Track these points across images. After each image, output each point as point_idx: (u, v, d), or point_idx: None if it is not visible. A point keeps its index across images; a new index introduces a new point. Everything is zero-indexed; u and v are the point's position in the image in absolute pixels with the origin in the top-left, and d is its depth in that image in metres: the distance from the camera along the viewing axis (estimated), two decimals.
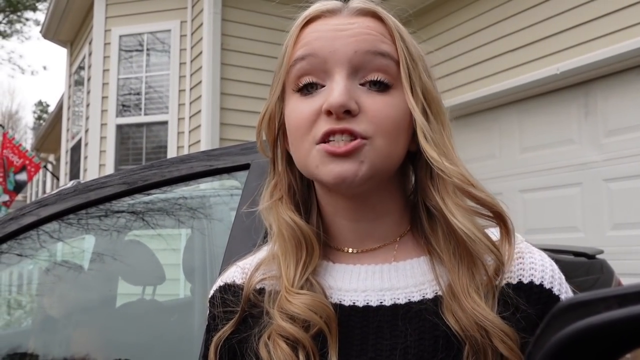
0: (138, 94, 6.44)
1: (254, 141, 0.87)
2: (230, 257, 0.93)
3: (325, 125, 0.68)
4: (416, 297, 0.71)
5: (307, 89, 0.71)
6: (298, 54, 0.71)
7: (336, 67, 0.69)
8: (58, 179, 10.05)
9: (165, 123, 6.19)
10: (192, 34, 6.06)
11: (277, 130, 0.77)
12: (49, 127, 13.07)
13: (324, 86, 0.70)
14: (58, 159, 11.71)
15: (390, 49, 0.70)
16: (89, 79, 7.02)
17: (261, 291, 0.76)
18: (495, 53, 4.71)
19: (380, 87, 0.69)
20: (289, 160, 0.78)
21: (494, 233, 0.74)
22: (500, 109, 4.82)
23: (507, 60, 4.60)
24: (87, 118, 6.97)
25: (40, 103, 41.82)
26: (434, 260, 0.72)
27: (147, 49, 6.46)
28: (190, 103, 5.96)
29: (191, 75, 6.01)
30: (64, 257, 2.08)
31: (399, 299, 0.72)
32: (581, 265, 2.38)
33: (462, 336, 0.66)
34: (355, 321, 0.72)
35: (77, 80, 8.24)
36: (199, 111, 5.72)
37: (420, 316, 0.69)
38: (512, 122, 4.73)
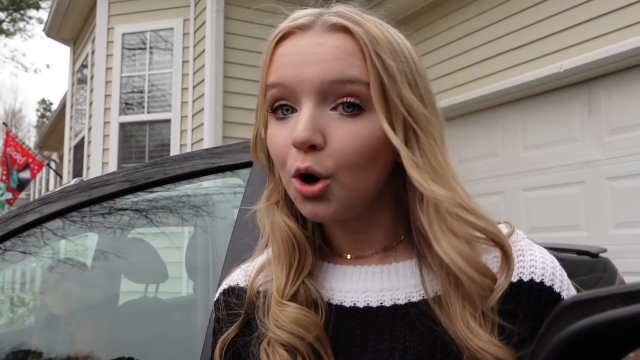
0: (141, 92, 6.45)
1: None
2: (233, 255, 0.93)
3: (294, 161, 0.67)
4: (416, 297, 0.71)
5: (282, 112, 0.70)
6: (270, 81, 0.70)
7: (303, 96, 0.67)
8: (61, 177, 10.07)
9: (168, 121, 6.20)
10: (195, 32, 6.06)
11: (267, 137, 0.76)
12: (52, 125, 13.09)
13: (296, 110, 0.69)
14: (61, 157, 11.74)
15: (360, 73, 0.66)
16: (92, 77, 7.02)
17: (262, 294, 0.77)
18: (498, 51, 4.70)
19: (354, 109, 0.67)
20: None
21: (501, 229, 0.74)
22: (503, 107, 4.81)
23: (510, 58, 4.59)
24: (90, 116, 6.98)
25: (43, 101, 41.91)
26: (422, 265, 0.71)
27: (150, 47, 6.46)
28: (193, 101, 5.97)
29: (194, 73, 6.01)
30: (66, 255, 2.08)
31: (399, 299, 0.72)
32: (584, 264, 2.38)
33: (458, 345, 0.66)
34: (356, 322, 0.72)
35: (80, 78, 8.26)
36: (202, 109, 5.72)
37: (419, 317, 0.69)
38: (515, 120, 4.72)
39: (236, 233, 1.18)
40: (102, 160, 6.43)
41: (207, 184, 1.73)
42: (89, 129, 6.95)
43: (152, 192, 1.62)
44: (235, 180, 1.50)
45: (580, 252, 2.45)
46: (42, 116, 39.27)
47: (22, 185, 9.36)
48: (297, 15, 0.71)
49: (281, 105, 0.70)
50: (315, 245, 0.77)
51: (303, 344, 0.70)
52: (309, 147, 0.65)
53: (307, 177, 0.67)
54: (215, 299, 0.84)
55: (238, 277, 0.83)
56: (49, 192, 1.74)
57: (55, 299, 2.09)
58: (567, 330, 0.34)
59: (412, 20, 5.34)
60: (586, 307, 0.34)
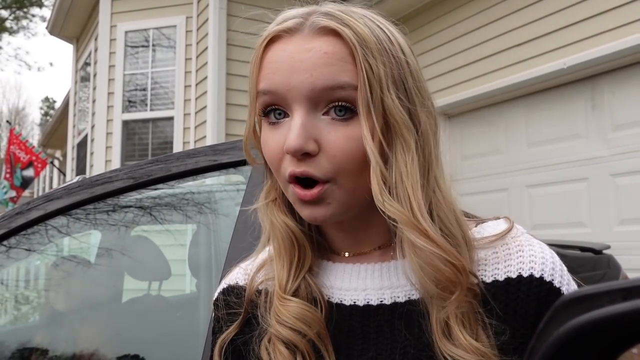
0: (144, 89, 6.46)
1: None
2: (234, 252, 0.93)
3: (289, 166, 0.67)
4: (416, 295, 0.71)
5: (275, 116, 0.69)
6: (260, 87, 0.69)
7: (294, 103, 0.66)
8: (65, 174, 10.09)
9: (171, 119, 6.21)
10: (197, 29, 6.07)
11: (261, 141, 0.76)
12: (56, 123, 13.12)
13: (289, 115, 0.68)
14: (65, 155, 11.76)
15: (350, 77, 0.65)
16: (94, 75, 7.04)
17: (262, 292, 0.77)
18: (501, 48, 4.69)
19: (346, 113, 0.66)
20: None
21: (499, 224, 0.74)
22: (507, 103, 4.80)
23: (513, 54, 4.58)
24: (93, 114, 6.99)
25: (46, 99, 42.02)
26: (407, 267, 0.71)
27: (153, 45, 6.47)
28: (196, 99, 5.97)
29: (197, 70, 6.02)
30: (69, 252, 2.09)
31: (399, 297, 0.72)
32: (588, 261, 2.37)
33: None
34: (356, 321, 0.72)
35: (83, 76, 8.27)
36: (205, 107, 5.73)
37: (419, 315, 0.69)
38: (519, 116, 4.71)
39: (238, 231, 1.19)
40: (105, 158, 6.44)
41: (210, 181, 1.74)
42: (92, 127, 6.96)
43: (154, 189, 1.63)
44: (239, 178, 1.50)
45: (584, 249, 2.45)
46: (46, 114, 39.37)
47: (26, 183, 9.38)
48: (285, 16, 0.70)
49: (273, 110, 0.69)
50: (314, 242, 0.77)
51: (304, 342, 0.70)
52: (303, 155, 0.66)
53: (303, 180, 0.67)
54: (214, 298, 0.84)
55: (237, 275, 0.83)
56: (52, 190, 1.75)
57: (58, 297, 2.10)
58: (566, 326, 0.34)
59: (415, 17, 5.33)
60: (585, 303, 0.34)
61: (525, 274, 0.69)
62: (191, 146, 5.88)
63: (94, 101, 7.00)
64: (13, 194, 9.27)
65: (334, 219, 0.69)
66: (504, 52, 4.67)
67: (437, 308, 0.67)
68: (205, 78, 5.76)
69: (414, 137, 0.68)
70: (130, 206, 1.71)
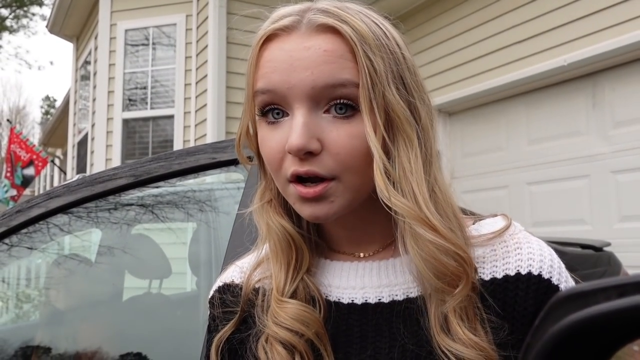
0: (144, 88, 6.46)
1: None
2: (233, 250, 0.93)
3: (291, 165, 0.66)
4: (414, 293, 0.71)
5: (273, 116, 0.68)
6: (258, 87, 0.68)
7: (295, 102, 0.66)
8: (65, 173, 10.10)
9: (171, 117, 6.21)
10: (197, 27, 6.06)
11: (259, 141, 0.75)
12: (56, 121, 13.13)
13: (289, 114, 0.67)
14: (65, 154, 11.77)
15: (351, 74, 0.65)
16: (95, 74, 7.03)
17: (259, 291, 0.77)
18: (502, 45, 4.68)
19: (347, 111, 0.66)
20: None
21: (497, 222, 0.74)
22: (507, 101, 4.80)
23: (514, 51, 4.58)
24: (93, 112, 6.99)
25: (47, 98, 42.02)
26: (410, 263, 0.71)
27: (153, 43, 6.46)
28: (196, 97, 5.97)
29: (197, 69, 6.01)
30: (69, 250, 2.09)
31: (397, 295, 0.71)
32: (588, 258, 2.37)
33: None
34: (354, 319, 0.72)
35: (83, 75, 8.27)
36: (205, 105, 5.73)
37: (417, 313, 0.69)
38: (519, 114, 4.71)
39: (236, 228, 1.19)
40: (106, 156, 6.44)
41: (211, 179, 1.73)
42: (93, 126, 6.96)
43: (155, 187, 1.62)
44: (239, 176, 1.50)
45: (584, 246, 2.45)
46: (46, 113, 39.37)
47: (27, 182, 9.38)
48: (280, 14, 0.69)
49: (271, 109, 0.69)
50: (312, 242, 0.77)
51: (301, 342, 0.70)
52: (305, 154, 0.65)
53: (305, 179, 0.66)
54: (210, 297, 0.84)
55: (233, 274, 0.83)
56: (52, 188, 1.75)
57: (58, 295, 2.10)
58: (561, 322, 0.34)
59: (415, 15, 5.32)
60: (581, 300, 0.34)
61: (523, 272, 0.69)
62: (191, 144, 5.88)
63: (94, 100, 6.99)
64: (14, 192, 9.27)
65: (335, 216, 0.68)
66: (504, 50, 4.66)
67: (436, 302, 0.67)
68: (206, 76, 5.75)
69: (416, 132, 0.68)
70: (130, 204, 1.71)
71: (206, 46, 5.78)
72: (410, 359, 0.67)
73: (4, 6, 24.79)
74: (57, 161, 14.23)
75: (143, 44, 6.53)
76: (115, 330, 1.91)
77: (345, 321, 0.72)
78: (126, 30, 6.51)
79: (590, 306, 0.33)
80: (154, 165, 1.51)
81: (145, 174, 1.51)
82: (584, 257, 2.34)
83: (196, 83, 6.00)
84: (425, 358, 0.67)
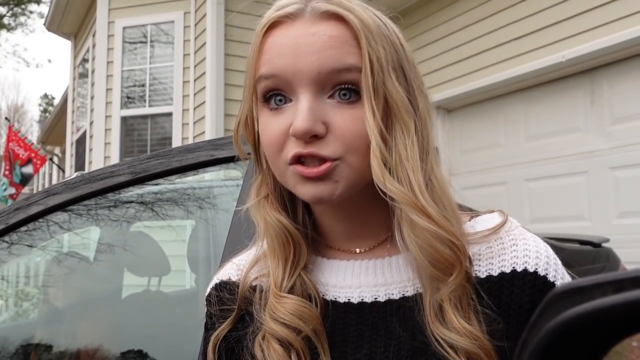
0: (142, 85, 6.45)
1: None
2: (231, 247, 0.93)
3: (294, 148, 0.66)
4: (410, 292, 0.70)
5: (275, 102, 0.69)
6: (262, 72, 0.68)
7: (300, 87, 0.66)
8: (64, 171, 10.09)
9: (169, 114, 6.20)
10: (195, 25, 6.05)
11: (257, 132, 0.75)
12: (55, 119, 13.11)
13: (291, 100, 0.68)
14: (64, 152, 11.76)
15: (355, 60, 0.66)
16: (93, 71, 7.03)
17: (256, 288, 0.76)
18: (500, 41, 4.68)
19: (351, 96, 0.66)
20: None
21: (493, 218, 0.74)
22: (506, 97, 4.79)
23: (511, 48, 4.57)
24: (91, 110, 6.99)
25: (45, 96, 41.94)
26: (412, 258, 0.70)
27: (151, 41, 6.46)
28: (195, 94, 5.97)
29: (195, 66, 6.01)
30: (67, 248, 2.09)
31: (393, 294, 0.71)
32: (587, 254, 2.37)
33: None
34: (350, 318, 0.72)
35: (81, 72, 8.26)
36: (203, 102, 5.72)
37: (413, 312, 0.69)
38: (518, 110, 4.70)
39: (234, 226, 1.18)
40: (104, 154, 6.44)
41: (209, 176, 1.73)
42: (91, 123, 6.96)
43: (154, 184, 1.62)
44: (237, 173, 1.50)
45: (583, 242, 2.45)
46: (45, 111, 39.31)
47: (25, 180, 9.38)
48: (283, 2, 0.70)
49: (274, 95, 0.69)
50: (309, 238, 0.76)
51: (298, 339, 0.69)
52: (311, 137, 0.65)
53: (306, 162, 0.66)
54: (206, 294, 0.83)
55: (230, 271, 0.82)
56: (51, 185, 1.75)
57: (57, 293, 2.10)
58: (557, 318, 0.34)
59: (413, 11, 5.31)
60: (577, 296, 0.34)
61: (519, 269, 0.68)
62: (190, 142, 5.87)
63: (92, 97, 6.99)
64: (12, 190, 9.26)
65: (337, 198, 0.68)
66: (502, 46, 4.66)
67: (432, 291, 0.67)
68: (204, 74, 5.75)
69: (414, 121, 0.68)
70: (130, 202, 1.71)
71: (204, 43, 5.78)
72: (406, 357, 0.67)
73: (2, 4, 24.75)
74: (55, 159, 14.22)
75: (141, 42, 6.52)
76: (114, 328, 1.91)
77: (342, 320, 0.72)
78: (124, 28, 6.50)
79: (586, 302, 0.33)
80: (153, 163, 1.50)
81: (144, 171, 1.51)
82: (583, 253, 2.34)
83: (194, 80, 5.99)
84: (420, 356, 0.67)
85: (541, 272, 0.68)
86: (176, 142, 6.01)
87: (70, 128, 8.72)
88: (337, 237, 0.77)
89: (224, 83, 5.61)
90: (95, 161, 6.51)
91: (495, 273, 0.69)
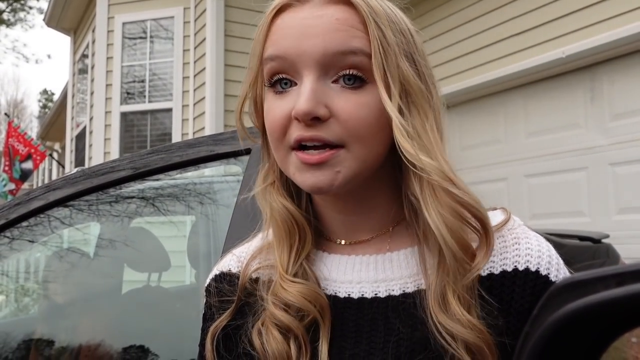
0: (142, 81, 6.44)
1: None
2: (231, 242, 0.93)
3: (296, 131, 0.66)
4: (410, 288, 0.70)
5: (281, 85, 0.68)
6: (268, 54, 0.68)
7: (305, 69, 0.66)
8: (63, 167, 10.08)
9: (169, 110, 6.19)
10: (195, 20, 6.04)
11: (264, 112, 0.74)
12: (54, 115, 13.09)
13: (296, 83, 0.67)
14: (63, 147, 11.75)
15: (362, 44, 0.65)
16: (92, 67, 7.01)
17: (257, 280, 0.76)
18: (500, 37, 4.67)
19: (355, 82, 0.66)
20: None
21: (496, 215, 0.73)
22: (506, 93, 4.79)
23: (512, 44, 4.57)
24: (91, 106, 6.98)
25: (45, 91, 41.86)
26: (425, 251, 0.70)
27: (151, 36, 6.44)
28: (195, 90, 5.96)
29: (195, 62, 5.99)
30: (67, 243, 2.09)
31: (393, 290, 0.71)
32: (587, 250, 2.37)
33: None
34: (350, 313, 0.72)
35: (81, 68, 8.24)
36: (203, 98, 5.71)
37: (413, 308, 0.69)
38: (518, 106, 4.70)
39: (234, 220, 1.18)
40: (104, 150, 6.43)
41: (209, 171, 1.73)
42: (91, 119, 6.95)
43: (154, 179, 1.62)
44: (238, 168, 1.50)
45: (582, 238, 2.45)
46: (44, 107, 39.25)
47: (25, 175, 9.37)
48: None
49: (280, 79, 0.68)
50: (312, 226, 0.76)
51: (300, 326, 0.69)
52: (312, 119, 0.65)
53: (307, 148, 0.66)
54: (206, 284, 0.83)
55: (230, 262, 0.82)
56: (51, 181, 1.75)
57: (57, 288, 2.10)
58: (560, 311, 0.34)
59: (414, 7, 5.29)
60: (579, 289, 0.34)
61: (521, 268, 0.68)
62: (190, 138, 5.87)
63: (92, 93, 6.98)
64: (12, 186, 9.25)
65: (338, 188, 0.67)
66: (502, 42, 4.65)
67: (439, 281, 0.66)
68: (204, 69, 5.74)
69: (430, 106, 0.68)
70: (129, 197, 1.71)
71: (204, 39, 5.76)
72: (405, 353, 0.67)
73: (1, 0, 24.69)
74: (55, 155, 14.21)
75: (141, 37, 6.51)
76: (114, 323, 1.91)
77: (341, 315, 0.72)
78: (124, 23, 6.49)
79: (588, 295, 0.33)
80: (154, 158, 1.50)
81: (145, 166, 1.51)
82: (583, 249, 2.34)
83: (194, 76, 5.98)
84: (420, 351, 0.66)
85: (543, 272, 0.68)
86: (176, 138, 6.00)
87: (69, 124, 8.71)
88: (338, 228, 0.77)
89: (223, 79, 5.60)
90: (95, 157, 6.50)
91: (496, 271, 0.69)
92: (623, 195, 3.94)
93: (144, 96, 6.41)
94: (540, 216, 4.39)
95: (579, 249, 2.31)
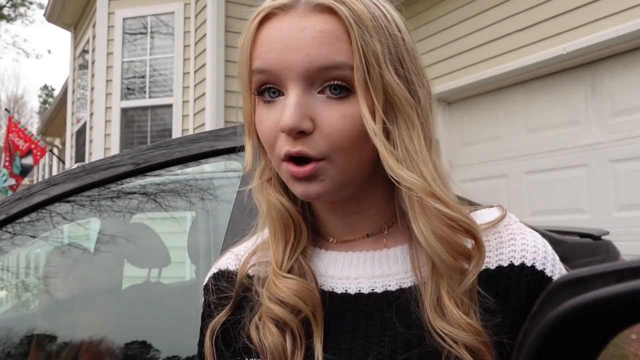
0: (142, 77, 6.44)
1: None
2: (231, 238, 0.93)
3: (284, 145, 0.66)
4: (407, 284, 0.70)
5: (269, 95, 0.69)
6: (255, 66, 0.68)
7: (290, 82, 0.66)
8: (64, 162, 10.09)
9: (169, 106, 6.19)
10: (195, 16, 6.03)
11: (246, 127, 0.76)
12: (55, 111, 13.09)
13: (284, 93, 0.67)
14: (64, 143, 11.75)
15: (346, 57, 0.65)
16: (93, 63, 7.01)
17: (254, 277, 0.76)
18: (500, 33, 4.66)
19: (341, 92, 0.66)
20: None
21: (492, 212, 0.74)
22: (506, 90, 4.79)
23: (513, 40, 4.56)
24: (91, 101, 6.97)
25: (45, 87, 41.85)
26: (417, 248, 0.70)
27: (151, 32, 6.44)
28: (195, 86, 5.95)
29: (195, 57, 5.99)
30: (65, 239, 2.09)
31: (390, 285, 0.71)
32: (587, 247, 2.38)
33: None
34: (347, 309, 0.72)
35: (81, 63, 8.24)
36: (204, 94, 5.71)
37: (410, 303, 0.69)
38: (518, 103, 4.70)
39: (234, 216, 1.19)
40: (105, 145, 6.43)
41: (209, 167, 1.73)
42: (91, 115, 6.95)
43: (155, 175, 1.62)
44: (238, 164, 1.50)
45: (582, 235, 2.45)
46: (45, 102, 39.24)
47: (25, 171, 9.38)
48: None
49: (268, 89, 0.69)
50: (308, 222, 0.77)
51: (295, 321, 0.70)
52: (298, 133, 0.65)
53: (298, 159, 0.67)
54: (204, 283, 0.84)
55: (228, 260, 0.83)
56: (51, 177, 1.75)
57: (56, 283, 2.10)
58: (559, 308, 0.34)
59: (414, 4, 5.29)
60: (579, 285, 0.34)
61: (516, 263, 0.68)
62: (190, 133, 5.86)
63: (92, 89, 6.97)
64: (12, 182, 9.26)
65: (327, 196, 0.68)
66: (503, 38, 4.65)
67: (433, 285, 0.67)
68: (204, 65, 5.73)
69: (416, 113, 0.68)
70: (130, 192, 1.71)
71: (205, 35, 5.76)
72: (401, 347, 0.67)
73: None
74: (55, 150, 14.21)
75: (141, 33, 6.50)
76: (114, 319, 1.92)
77: (338, 310, 0.72)
78: (124, 19, 6.48)
79: (588, 291, 0.33)
80: (155, 153, 1.50)
81: (146, 161, 1.51)
82: (583, 245, 2.35)
83: (195, 72, 5.98)
84: (416, 346, 0.67)
85: (539, 267, 0.68)
86: (176, 134, 6.00)
87: (70, 119, 8.71)
88: (334, 228, 0.77)
89: (224, 75, 5.60)
90: (96, 152, 6.50)
91: (492, 267, 0.69)
92: (623, 192, 3.94)
93: (144, 92, 6.41)
94: (540, 213, 4.39)
95: (579, 245, 2.31)
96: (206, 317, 0.81)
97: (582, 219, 4.05)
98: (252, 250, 0.79)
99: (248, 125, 0.75)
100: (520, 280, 0.68)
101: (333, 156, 0.66)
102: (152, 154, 1.50)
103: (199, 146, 1.45)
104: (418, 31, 5.20)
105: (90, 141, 6.91)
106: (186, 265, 2.44)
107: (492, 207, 0.76)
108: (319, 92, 0.66)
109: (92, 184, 1.56)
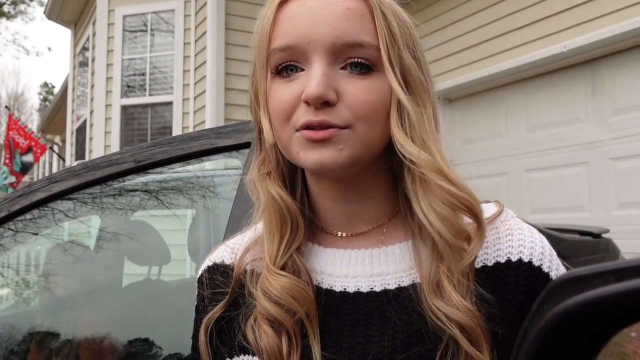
0: (142, 74, 6.43)
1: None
2: (231, 235, 0.93)
3: (304, 115, 0.66)
4: (406, 282, 0.70)
5: (287, 72, 0.69)
6: (276, 45, 0.68)
7: (315, 55, 0.66)
8: (64, 160, 10.09)
9: (170, 104, 6.19)
10: (196, 13, 6.03)
11: (262, 106, 0.74)
12: (55, 108, 13.09)
13: (303, 69, 0.68)
14: (64, 140, 11.75)
15: (370, 36, 0.67)
16: (93, 60, 7.00)
17: (250, 272, 0.76)
18: (501, 31, 4.66)
19: (362, 69, 0.67)
20: None
21: (489, 208, 0.74)
22: (507, 87, 4.79)
23: (513, 38, 4.56)
24: (92, 99, 6.97)
25: (45, 84, 41.79)
26: (419, 244, 0.70)
27: (151, 29, 6.43)
28: (195, 83, 5.95)
29: (195, 55, 5.98)
30: (66, 236, 2.09)
31: (389, 284, 0.71)
32: (587, 245, 2.38)
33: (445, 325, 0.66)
34: (345, 307, 0.72)
35: (81, 61, 8.23)
36: (204, 91, 5.71)
37: (408, 301, 0.69)
38: (519, 100, 4.70)
39: (234, 214, 1.19)
40: (105, 143, 6.43)
41: (210, 165, 1.73)
42: (91, 112, 6.95)
43: (156, 172, 1.62)
44: (238, 162, 1.50)
45: (583, 233, 2.45)
46: (45, 99, 39.20)
47: (26, 168, 9.37)
48: None
49: (286, 67, 0.69)
50: (306, 217, 0.76)
51: (291, 321, 0.69)
52: (322, 104, 0.65)
53: (317, 129, 0.66)
54: (198, 275, 0.83)
55: (223, 254, 0.82)
56: (51, 174, 1.75)
57: (56, 281, 2.11)
58: (559, 307, 0.34)
59: (414, 1, 5.28)
60: (579, 284, 0.34)
61: (514, 259, 0.69)
62: (190, 131, 5.86)
63: (92, 86, 6.97)
64: (13, 179, 9.26)
65: (339, 168, 0.67)
66: (503, 36, 4.64)
67: (434, 269, 0.67)
68: (204, 62, 5.73)
69: (428, 96, 0.70)
70: (132, 190, 1.71)
71: (205, 32, 5.75)
72: (400, 345, 0.67)
73: None
74: (55, 148, 14.21)
75: (141, 30, 6.49)
76: (114, 316, 1.92)
77: (337, 309, 0.72)
78: (124, 16, 6.47)
79: (587, 290, 0.33)
80: (156, 151, 1.50)
81: (147, 159, 1.51)
82: (583, 243, 2.35)
83: (195, 69, 5.97)
84: (415, 345, 0.67)
85: (536, 263, 0.69)
86: (176, 131, 6.00)
87: (70, 117, 8.71)
88: (334, 219, 0.76)
89: (224, 72, 5.59)
90: (96, 150, 6.50)
91: (490, 263, 0.69)
92: (623, 190, 3.95)
93: (145, 89, 6.40)
94: (540, 211, 4.40)
95: (579, 243, 2.32)
96: (200, 310, 0.80)
97: (582, 217, 4.05)
98: (248, 244, 0.78)
99: (264, 103, 0.73)
100: (517, 276, 0.68)
101: (357, 125, 0.67)
102: (153, 152, 1.50)
103: (200, 144, 1.45)
104: (419, 28, 5.18)
105: (91, 139, 6.91)
106: (186, 262, 2.45)
107: (489, 202, 0.76)
108: (341, 68, 0.67)
109: (94, 181, 1.56)
